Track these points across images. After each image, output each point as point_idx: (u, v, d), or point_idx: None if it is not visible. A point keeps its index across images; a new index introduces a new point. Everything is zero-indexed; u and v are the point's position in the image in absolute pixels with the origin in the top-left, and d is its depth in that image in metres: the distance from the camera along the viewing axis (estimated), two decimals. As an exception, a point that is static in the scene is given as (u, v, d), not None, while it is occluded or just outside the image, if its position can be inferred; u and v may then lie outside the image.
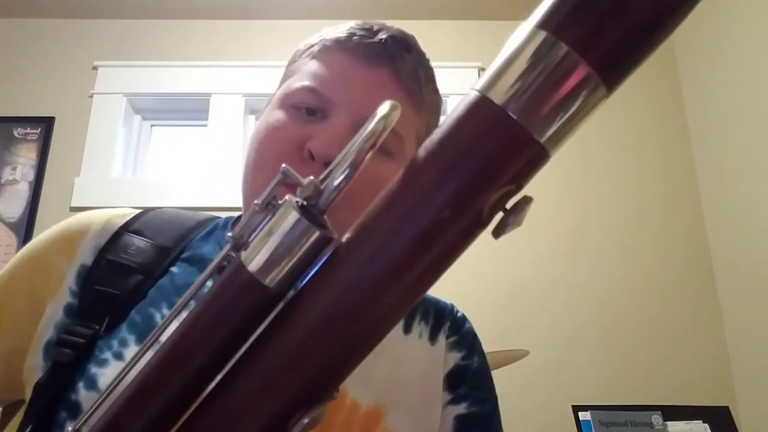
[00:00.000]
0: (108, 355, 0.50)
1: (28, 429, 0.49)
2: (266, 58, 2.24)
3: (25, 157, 2.14)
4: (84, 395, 0.48)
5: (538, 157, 0.25)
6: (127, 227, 0.58)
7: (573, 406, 1.63)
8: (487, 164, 0.24)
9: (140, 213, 0.61)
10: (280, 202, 0.28)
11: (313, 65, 0.56)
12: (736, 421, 1.65)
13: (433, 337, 0.60)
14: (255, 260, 0.28)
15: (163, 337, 0.31)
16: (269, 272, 0.28)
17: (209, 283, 0.31)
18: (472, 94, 0.25)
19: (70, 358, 0.50)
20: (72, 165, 2.14)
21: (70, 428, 0.34)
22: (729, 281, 1.98)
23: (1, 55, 2.30)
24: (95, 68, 2.28)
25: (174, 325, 0.31)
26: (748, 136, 1.87)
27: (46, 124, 2.18)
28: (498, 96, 0.25)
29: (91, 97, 2.24)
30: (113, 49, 2.32)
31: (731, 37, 1.96)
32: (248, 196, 0.55)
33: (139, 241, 0.57)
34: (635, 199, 2.14)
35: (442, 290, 0.64)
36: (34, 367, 0.52)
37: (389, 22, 0.59)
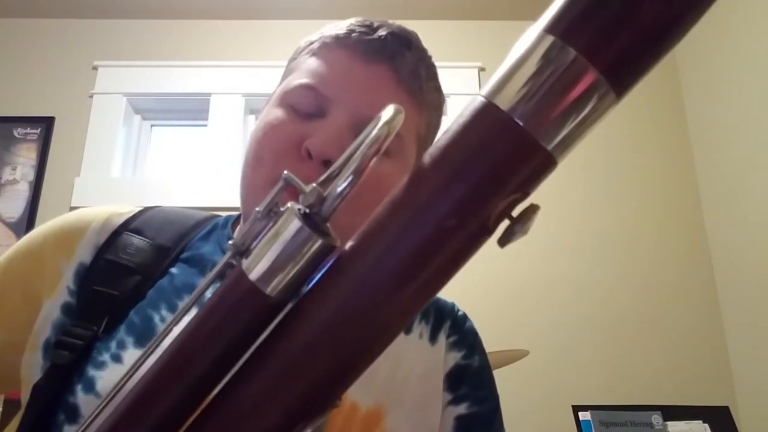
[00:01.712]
0: (106, 357, 0.50)
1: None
2: (266, 58, 2.23)
3: (25, 157, 2.14)
4: (82, 398, 0.48)
5: (544, 164, 0.24)
6: (126, 226, 0.57)
7: (573, 406, 1.63)
8: (493, 171, 0.24)
9: (140, 211, 0.60)
10: (282, 209, 0.28)
11: (312, 63, 0.55)
12: (736, 421, 1.65)
13: (433, 337, 0.60)
14: (256, 268, 0.28)
15: (165, 343, 0.31)
16: (271, 281, 0.28)
17: (212, 288, 0.31)
18: (478, 100, 0.25)
19: (67, 360, 0.49)
20: (72, 165, 2.14)
21: None
22: (729, 281, 1.98)
23: (1, 55, 2.30)
24: (95, 68, 2.28)
25: (176, 331, 0.31)
26: (748, 136, 1.87)
27: (46, 124, 2.18)
28: (504, 102, 0.24)
29: (91, 97, 2.24)
30: (113, 49, 2.31)
31: (731, 37, 1.96)
32: (245, 195, 0.55)
33: (138, 241, 0.56)
34: (635, 199, 2.13)
35: (442, 290, 0.63)
36: (33, 366, 0.52)
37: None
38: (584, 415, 1.60)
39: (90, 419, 0.33)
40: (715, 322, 2.00)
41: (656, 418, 1.60)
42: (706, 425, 1.61)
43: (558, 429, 1.77)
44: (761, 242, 1.79)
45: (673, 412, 1.62)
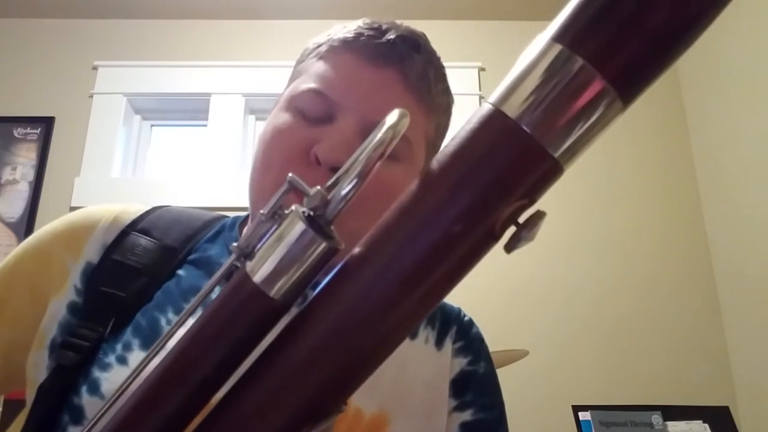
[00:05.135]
0: (111, 359, 0.49)
1: None
2: (266, 58, 2.23)
3: (25, 157, 2.14)
4: (87, 399, 0.47)
5: (551, 171, 0.24)
6: (134, 226, 0.57)
7: (573, 406, 1.63)
8: (500, 178, 0.24)
9: (147, 211, 0.60)
10: (286, 212, 0.28)
11: (320, 66, 0.55)
12: (736, 421, 1.65)
13: (439, 343, 0.59)
14: (260, 271, 0.28)
15: (170, 345, 0.31)
16: (275, 283, 0.28)
17: (217, 289, 0.31)
18: (486, 107, 0.25)
19: (73, 361, 0.49)
20: (72, 165, 2.14)
21: None
22: (729, 281, 1.98)
23: (1, 55, 2.29)
24: (95, 68, 2.28)
25: (181, 333, 0.31)
26: (747, 137, 1.87)
27: (46, 124, 2.18)
28: (512, 109, 0.24)
29: (91, 97, 2.24)
30: (113, 49, 2.31)
31: (732, 39, 1.96)
32: (254, 200, 0.55)
33: (145, 242, 0.56)
34: (635, 199, 2.13)
35: (444, 293, 0.63)
36: (39, 365, 0.52)
37: (391, 22, 0.57)
38: (584, 415, 1.60)
39: (93, 421, 0.33)
40: (715, 322, 2.00)
41: (656, 418, 1.60)
42: (706, 425, 1.61)
43: (558, 429, 1.77)
44: (761, 242, 1.79)
45: (673, 412, 1.62)
